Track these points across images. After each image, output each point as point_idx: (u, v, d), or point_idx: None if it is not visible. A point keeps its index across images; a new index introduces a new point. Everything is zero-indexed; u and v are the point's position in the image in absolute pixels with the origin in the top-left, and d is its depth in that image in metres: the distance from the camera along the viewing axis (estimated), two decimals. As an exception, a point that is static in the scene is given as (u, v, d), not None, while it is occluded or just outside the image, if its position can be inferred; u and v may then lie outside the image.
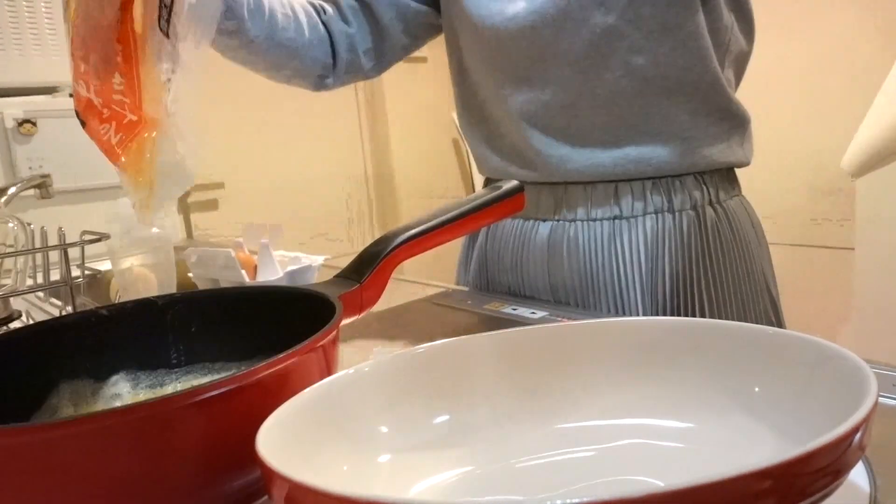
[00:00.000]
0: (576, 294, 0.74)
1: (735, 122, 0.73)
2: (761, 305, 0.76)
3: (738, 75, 0.76)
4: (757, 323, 0.75)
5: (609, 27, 0.66)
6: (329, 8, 0.81)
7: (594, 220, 0.72)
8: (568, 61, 0.68)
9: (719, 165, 0.73)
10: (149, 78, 0.50)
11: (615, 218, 0.71)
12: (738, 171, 0.78)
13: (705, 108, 0.70)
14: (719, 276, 0.72)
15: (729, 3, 0.70)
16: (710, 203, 0.73)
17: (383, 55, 0.83)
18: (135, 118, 0.51)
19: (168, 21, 0.49)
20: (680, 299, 0.71)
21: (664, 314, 0.71)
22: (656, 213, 0.71)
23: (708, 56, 0.68)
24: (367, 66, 0.83)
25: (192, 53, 0.49)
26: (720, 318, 0.72)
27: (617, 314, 0.71)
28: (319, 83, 0.82)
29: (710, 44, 0.68)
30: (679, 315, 0.71)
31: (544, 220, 0.76)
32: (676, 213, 0.71)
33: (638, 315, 0.70)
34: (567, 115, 0.70)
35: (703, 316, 0.71)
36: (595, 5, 0.65)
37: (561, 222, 0.74)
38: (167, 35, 0.49)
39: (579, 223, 0.73)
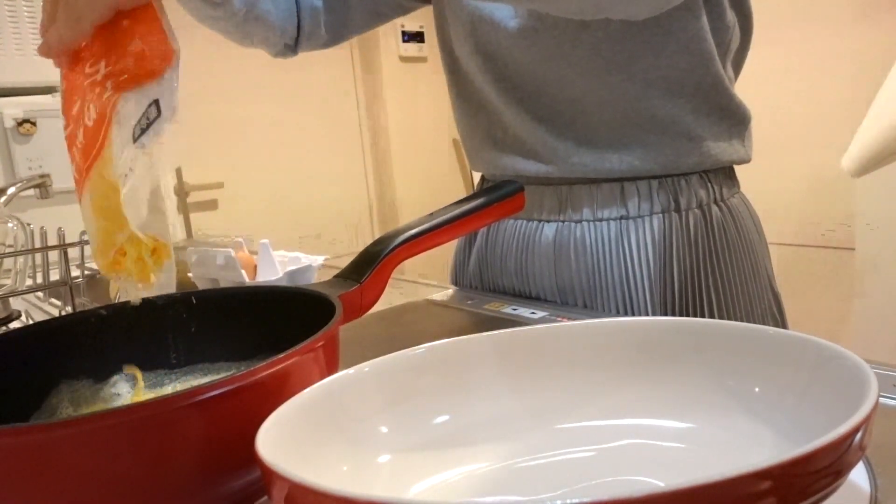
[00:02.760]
0: (584, 295, 0.73)
1: (736, 119, 0.73)
2: (765, 302, 0.76)
3: (737, 71, 0.76)
4: (762, 320, 0.76)
5: (610, 32, 0.66)
6: None
7: (600, 220, 0.72)
8: (570, 63, 0.68)
9: (723, 164, 0.73)
10: (106, 166, 0.48)
11: (622, 218, 0.71)
12: (738, 171, 0.78)
13: (707, 107, 0.70)
14: (727, 275, 0.72)
15: (732, 1, 0.70)
16: (715, 201, 0.73)
17: (344, 27, 0.82)
18: (76, 177, 0.50)
19: (143, 131, 0.47)
20: (688, 299, 0.71)
21: (673, 314, 0.70)
22: (663, 212, 0.71)
23: (710, 57, 0.68)
24: (326, 37, 0.82)
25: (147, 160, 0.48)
26: (728, 316, 0.72)
27: (625, 314, 0.71)
28: (283, 52, 0.81)
29: (713, 45, 0.68)
30: (688, 315, 0.71)
31: (549, 221, 0.75)
32: (683, 213, 0.71)
33: (647, 315, 0.70)
34: (573, 109, 0.70)
35: (711, 315, 0.71)
36: None
37: (567, 223, 0.74)
38: (133, 140, 0.48)
39: (585, 224, 0.72)
